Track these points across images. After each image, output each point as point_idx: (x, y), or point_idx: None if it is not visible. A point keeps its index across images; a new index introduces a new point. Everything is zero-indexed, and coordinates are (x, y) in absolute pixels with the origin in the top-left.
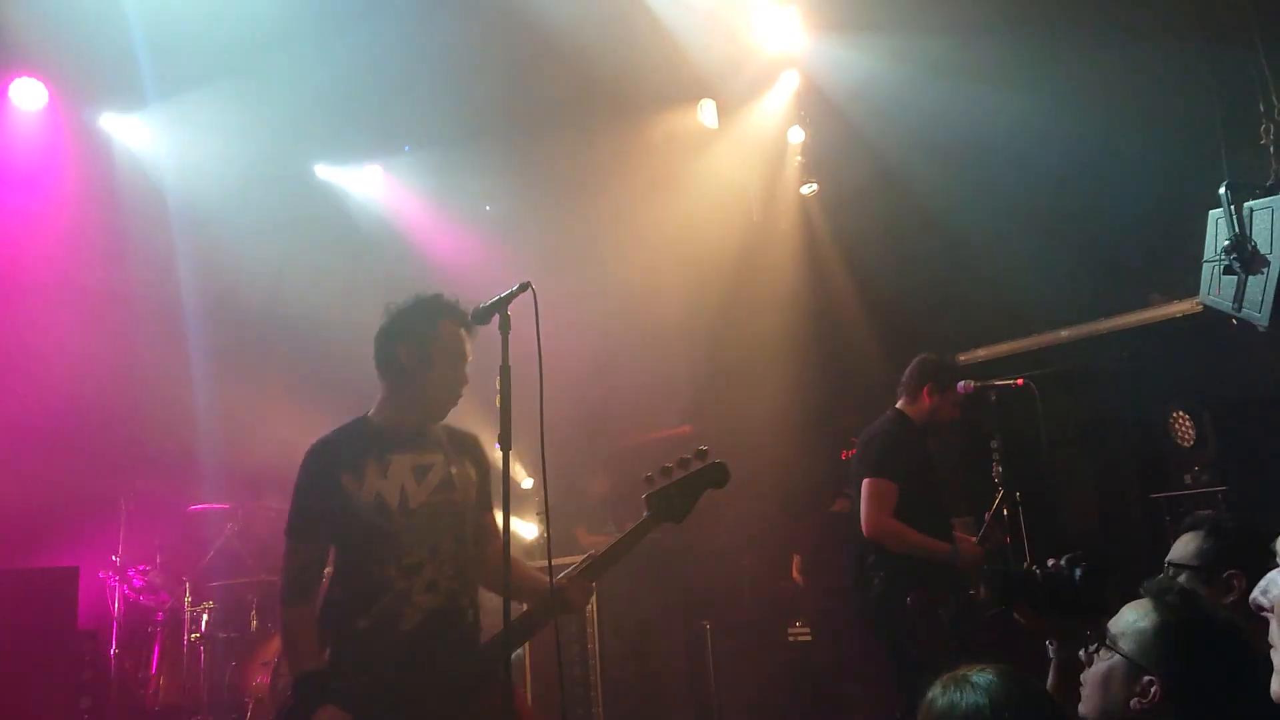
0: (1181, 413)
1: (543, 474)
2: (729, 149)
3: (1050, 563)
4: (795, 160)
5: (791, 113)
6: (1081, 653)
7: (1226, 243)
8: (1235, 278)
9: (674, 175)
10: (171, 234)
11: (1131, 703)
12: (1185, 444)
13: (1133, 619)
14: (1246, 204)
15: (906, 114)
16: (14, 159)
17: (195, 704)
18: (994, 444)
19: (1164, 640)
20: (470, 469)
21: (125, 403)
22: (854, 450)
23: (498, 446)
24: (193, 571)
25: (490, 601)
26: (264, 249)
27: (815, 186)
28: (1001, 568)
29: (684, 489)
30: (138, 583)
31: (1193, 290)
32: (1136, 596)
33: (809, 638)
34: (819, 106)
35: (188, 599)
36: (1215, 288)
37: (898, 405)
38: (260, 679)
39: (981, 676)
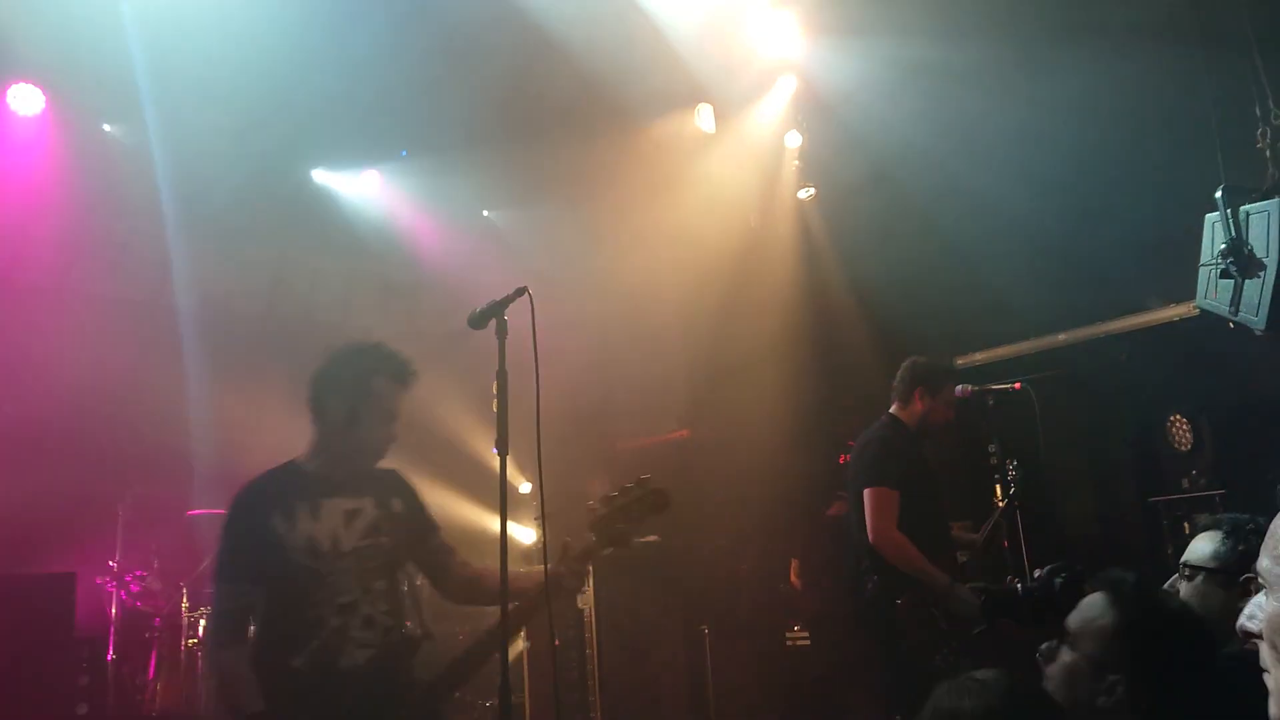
0: (1179, 416)
1: (539, 478)
2: (726, 153)
3: (1036, 573)
4: (792, 164)
5: (789, 117)
6: (1040, 651)
7: (1223, 247)
8: (1232, 281)
9: (671, 180)
10: (168, 239)
11: (1099, 700)
12: (1182, 448)
13: (1092, 616)
14: (1243, 208)
15: (904, 118)
16: (11, 165)
17: (192, 710)
18: (992, 448)
19: (1125, 639)
20: (399, 506)
21: (122, 408)
22: (854, 455)
23: (495, 451)
24: (190, 577)
25: (441, 628)
26: (261, 254)
27: (813, 191)
28: (983, 587)
29: (626, 515)
30: (135, 588)
31: (1189, 294)
32: None
33: (807, 641)
34: (816, 111)
35: (185, 605)
36: (1212, 291)
37: (891, 410)
38: None
39: (987, 680)
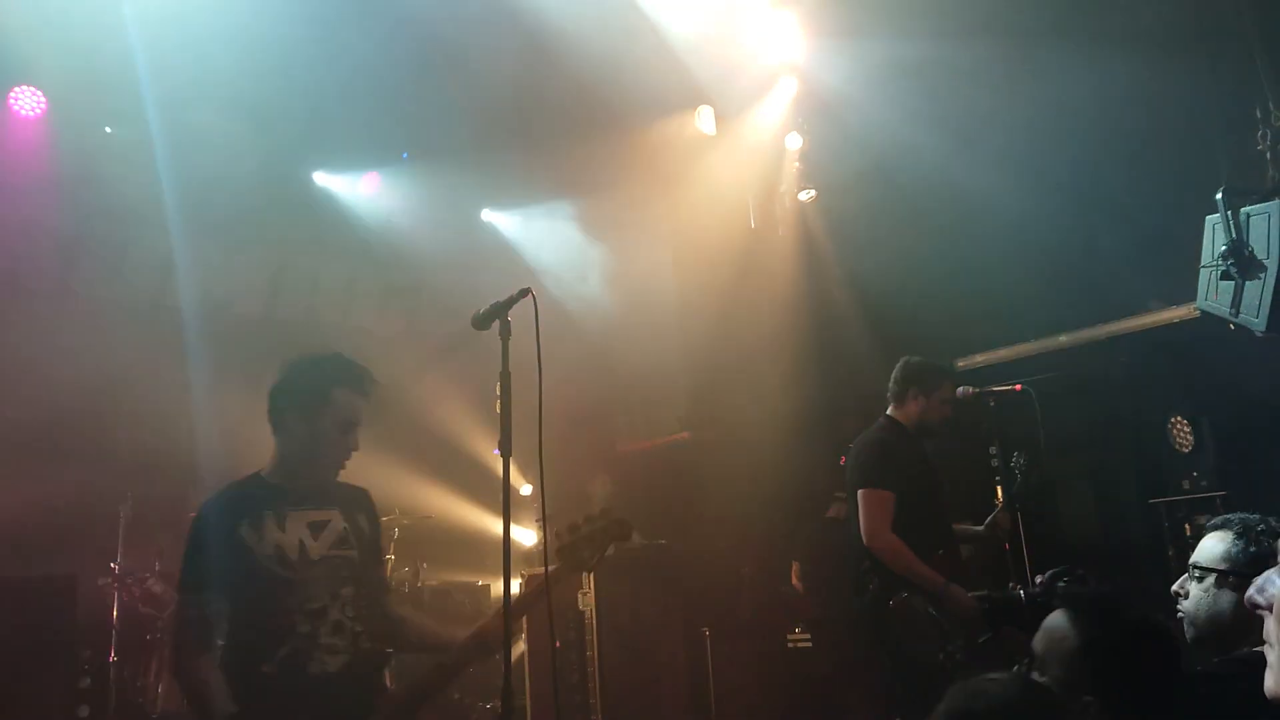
0: (1180, 418)
1: (541, 480)
2: (727, 155)
3: (1038, 579)
4: (793, 166)
5: (789, 119)
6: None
7: (1224, 248)
8: (1232, 283)
9: (672, 182)
10: (170, 242)
11: None
12: (1183, 449)
13: (1056, 638)
14: (1243, 209)
15: (904, 120)
16: (12, 167)
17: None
18: (993, 450)
19: (1091, 660)
20: (364, 524)
21: (124, 410)
22: (851, 456)
23: (496, 452)
24: None
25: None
26: (262, 256)
27: (813, 193)
28: (985, 595)
29: (590, 543)
30: (137, 591)
31: (1190, 296)
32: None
33: (809, 644)
34: (817, 113)
35: None
36: (1213, 293)
37: (888, 412)
38: None
39: (998, 682)
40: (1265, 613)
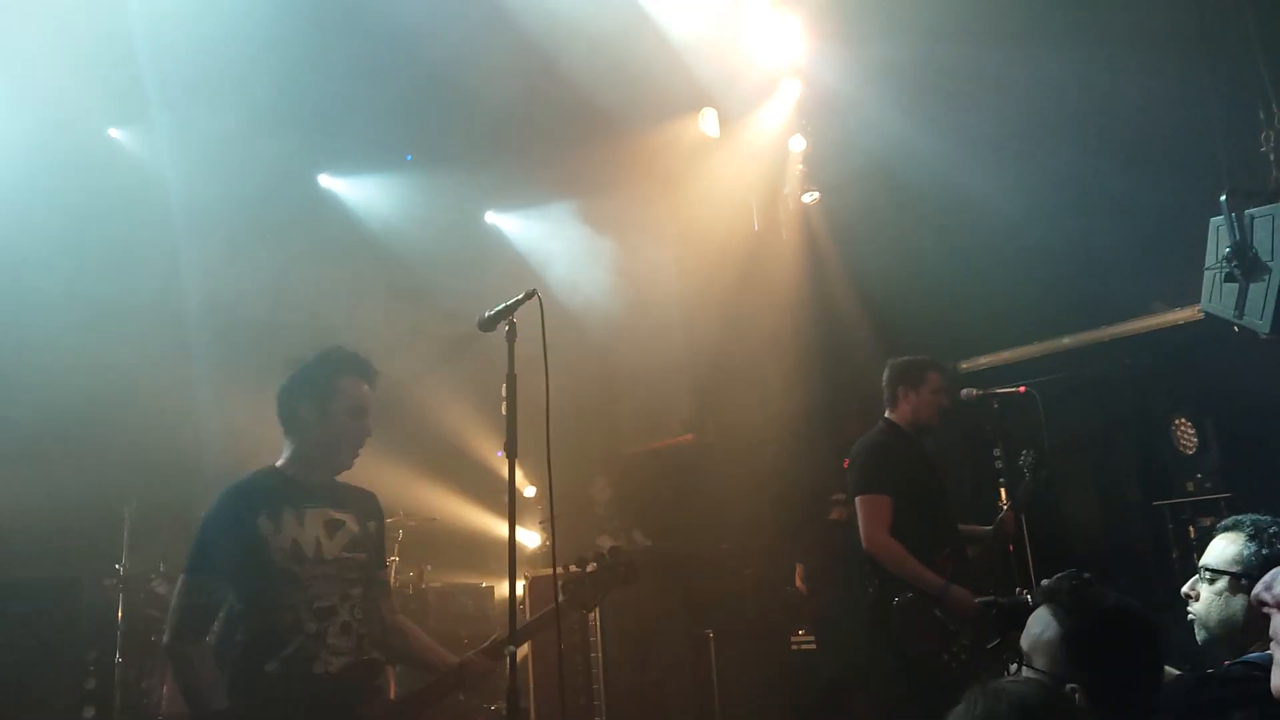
0: (1183, 420)
1: (549, 482)
2: (730, 158)
3: (1044, 583)
4: (797, 169)
5: (793, 122)
6: (1008, 673)
7: (1228, 250)
8: (1236, 285)
9: (675, 184)
10: (174, 243)
11: None
12: (1187, 451)
13: (1038, 632)
14: (1247, 211)
15: (907, 122)
16: (17, 168)
17: None
18: (996, 451)
19: (1072, 649)
20: (372, 529)
21: (129, 412)
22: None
23: (501, 454)
24: None
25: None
26: (267, 258)
27: (817, 195)
28: (993, 601)
29: (595, 582)
30: (141, 592)
31: (1194, 298)
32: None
33: (813, 646)
34: (820, 115)
35: None
36: (1217, 295)
37: (885, 415)
38: None
39: (1018, 684)
40: (1273, 610)
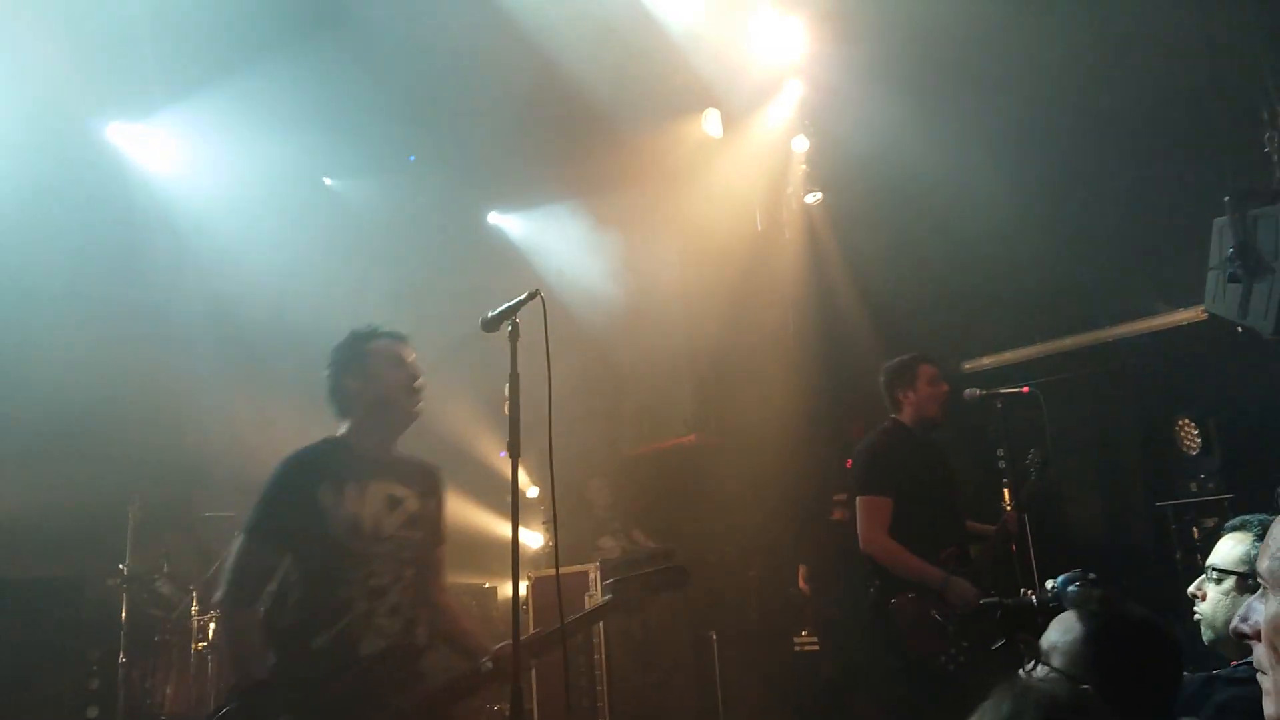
0: (1187, 420)
1: (551, 482)
2: (733, 158)
3: (1049, 584)
4: (800, 169)
5: (796, 122)
6: (1020, 673)
7: (1231, 251)
8: (1240, 286)
9: (679, 185)
10: (178, 244)
11: None
12: (1191, 452)
13: (1061, 631)
14: (1251, 212)
15: (911, 122)
16: (19, 168)
17: (202, 713)
18: (1000, 452)
19: (1092, 649)
20: (433, 506)
21: (133, 412)
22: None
23: (503, 455)
24: (200, 580)
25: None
26: (271, 259)
27: (820, 195)
28: (997, 601)
29: (645, 584)
30: (144, 592)
31: (1198, 298)
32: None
33: (816, 647)
34: (823, 115)
35: (195, 608)
36: (1220, 296)
37: (891, 415)
38: None
39: (1044, 685)
40: (1252, 641)
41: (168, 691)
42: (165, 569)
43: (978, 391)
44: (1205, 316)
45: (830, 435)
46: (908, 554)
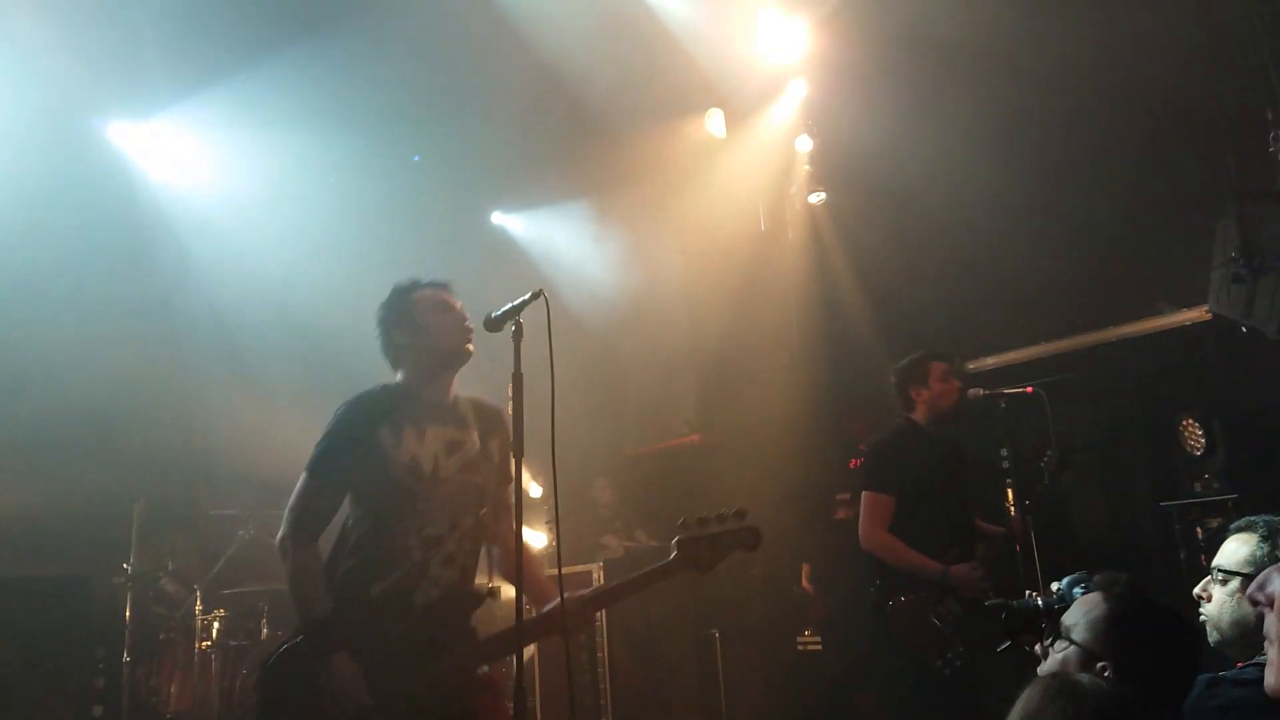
0: (1191, 420)
1: (554, 482)
2: (737, 158)
3: (1055, 586)
4: (803, 169)
5: (800, 121)
6: (1037, 647)
7: (1235, 251)
8: (1244, 286)
9: (682, 185)
10: (182, 244)
11: None
12: (1195, 452)
13: (1085, 609)
14: (1255, 212)
15: (915, 122)
16: (23, 169)
17: (207, 712)
18: (1004, 452)
19: (1114, 628)
20: (494, 448)
21: (137, 411)
22: (862, 460)
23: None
24: (204, 579)
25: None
26: (274, 258)
27: (824, 195)
28: (1003, 602)
29: (715, 544)
30: (149, 590)
31: (1202, 298)
32: None
33: (819, 646)
34: (827, 115)
35: (199, 607)
36: (1224, 296)
37: (904, 413)
38: None
39: (1094, 684)
40: (1266, 609)
41: (172, 690)
42: (170, 568)
43: (981, 391)
44: (1209, 316)
45: (833, 435)
46: (906, 548)
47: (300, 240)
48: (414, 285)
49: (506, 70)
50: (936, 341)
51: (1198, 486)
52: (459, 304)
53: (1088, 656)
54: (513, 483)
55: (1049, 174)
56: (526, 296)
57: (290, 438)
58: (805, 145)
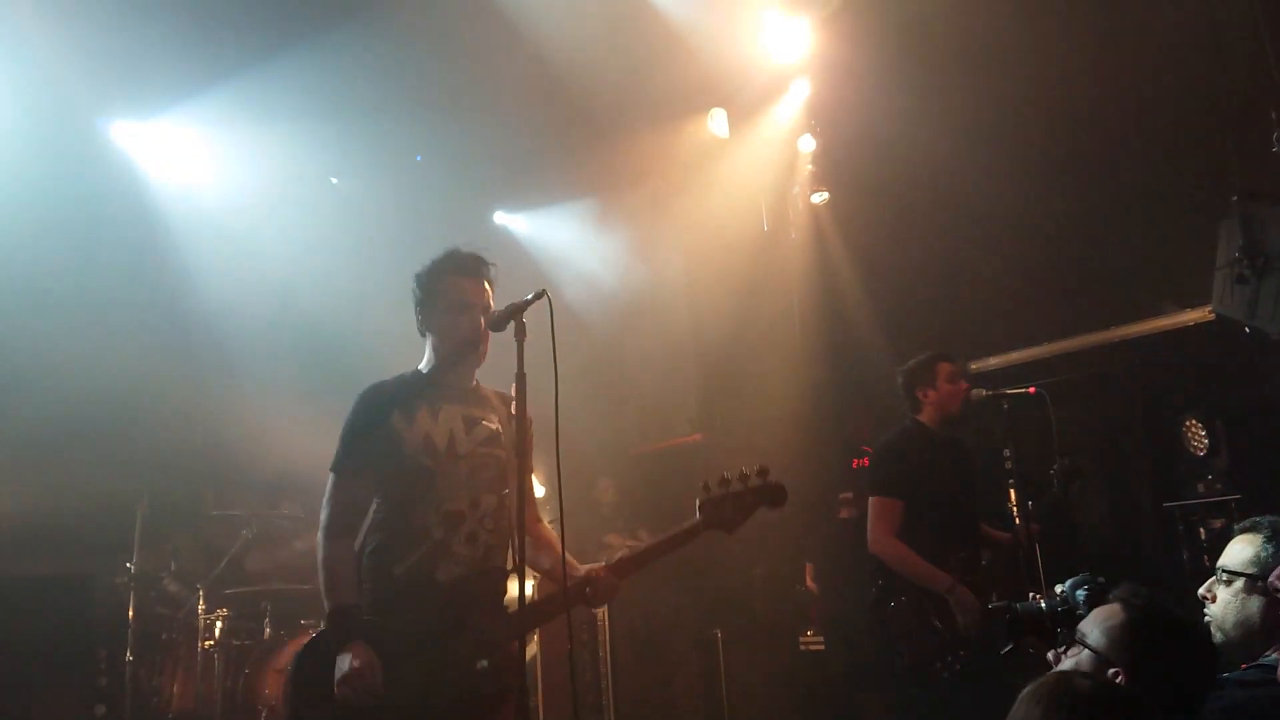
0: (1194, 421)
1: (559, 481)
2: (740, 158)
3: (1059, 589)
4: (806, 169)
5: (802, 121)
6: (1050, 654)
7: (1239, 251)
8: (1247, 286)
9: (685, 185)
10: (186, 243)
11: None
12: (1198, 452)
13: (1102, 617)
14: (1259, 212)
15: (918, 122)
16: (29, 169)
17: (209, 711)
18: (1006, 453)
19: (1128, 634)
20: (514, 433)
21: (140, 411)
22: (865, 460)
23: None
24: (207, 579)
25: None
26: (277, 258)
27: (826, 195)
28: (1007, 605)
29: (739, 502)
30: (152, 590)
31: (1205, 299)
32: None
33: (821, 646)
34: (830, 115)
35: (201, 606)
36: (1228, 296)
37: (912, 415)
38: (273, 687)
39: (1084, 680)
40: None
41: (174, 690)
42: (173, 567)
43: (984, 391)
44: (1213, 317)
45: (836, 434)
46: (916, 557)
47: (303, 240)
48: (446, 268)
49: (509, 70)
50: (939, 341)
51: (1200, 487)
52: (486, 295)
53: (1101, 662)
54: (531, 475)
55: (1052, 174)
56: (529, 296)
57: (294, 437)
58: (808, 145)
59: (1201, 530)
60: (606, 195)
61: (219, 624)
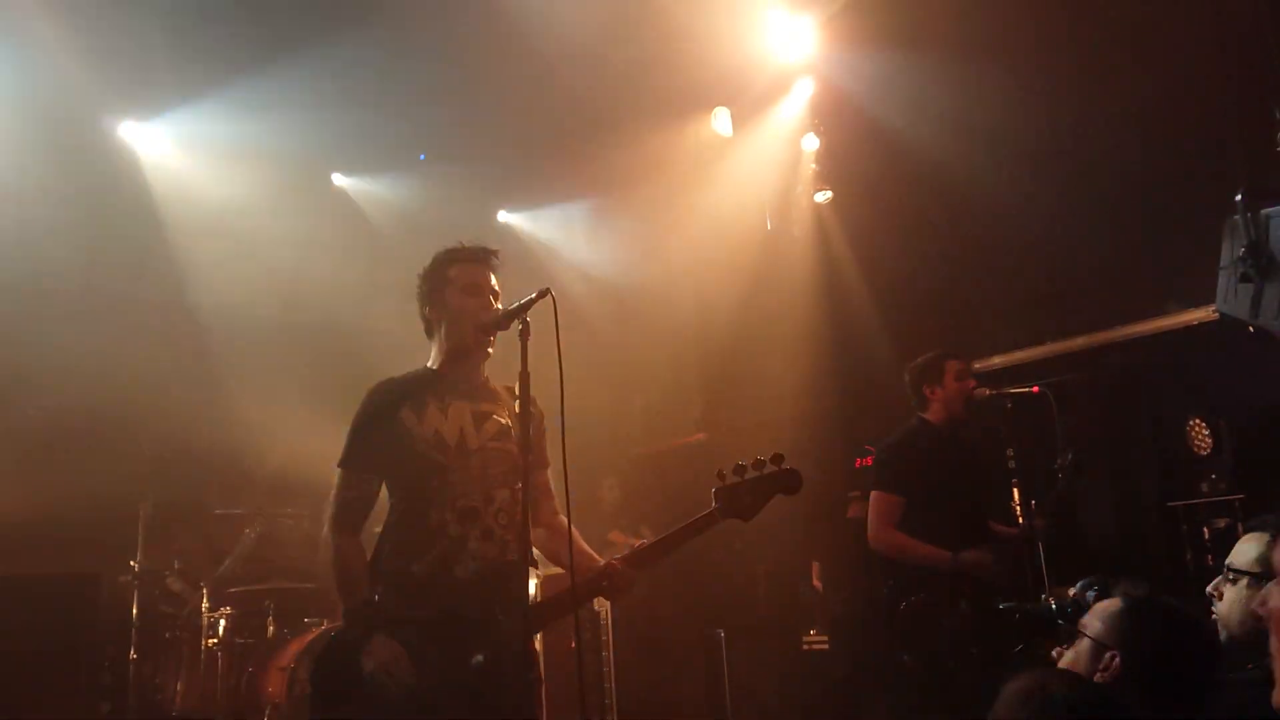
0: (1198, 420)
1: (565, 480)
2: (743, 157)
3: (1071, 591)
4: (810, 168)
5: (806, 120)
6: (1055, 651)
7: (1243, 250)
8: (1251, 285)
9: (688, 184)
10: (189, 243)
11: (1095, 676)
12: (1202, 452)
13: (1101, 608)
14: (1263, 211)
15: (921, 120)
16: (34, 168)
17: (212, 709)
18: (1010, 452)
19: (1126, 621)
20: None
21: (144, 410)
22: (869, 458)
23: None
24: (211, 577)
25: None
26: (280, 257)
27: (830, 194)
28: (1016, 606)
29: (755, 489)
30: (156, 589)
31: (1209, 298)
32: None
33: (824, 646)
34: (834, 113)
35: (206, 605)
36: (1232, 295)
37: (918, 414)
38: (276, 685)
39: (1064, 681)
40: (1270, 624)
41: (178, 688)
42: (176, 566)
43: (987, 391)
44: (1216, 316)
45: (840, 432)
46: (913, 542)
47: (307, 239)
48: (449, 258)
49: (512, 69)
50: (942, 340)
51: (1204, 487)
52: (490, 284)
53: (1099, 647)
54: (546, 470)
55: (1055, 173)
56: (533, 295)
57: (298, 436)
58: (812, 144)
59: (1205, 529)
60: (610, 194)
61: (223, 622)
